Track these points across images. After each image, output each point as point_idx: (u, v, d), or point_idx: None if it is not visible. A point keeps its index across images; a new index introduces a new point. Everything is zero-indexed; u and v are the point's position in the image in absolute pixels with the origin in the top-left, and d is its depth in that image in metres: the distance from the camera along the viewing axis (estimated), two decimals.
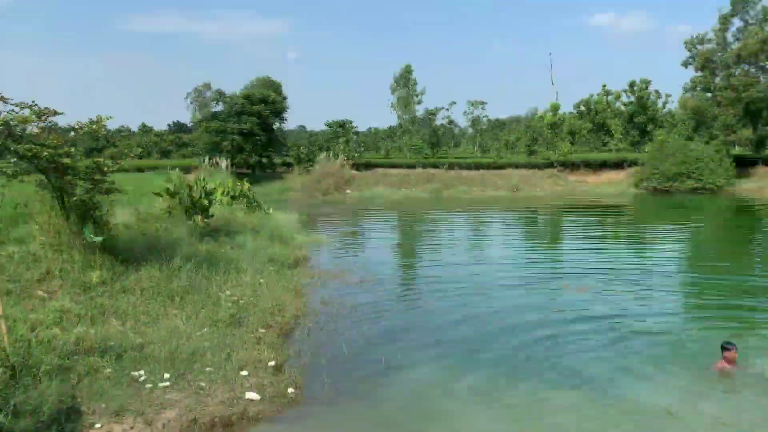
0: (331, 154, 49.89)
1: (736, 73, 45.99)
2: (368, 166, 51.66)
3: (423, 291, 14.34)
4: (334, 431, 7.14)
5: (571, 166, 51.29)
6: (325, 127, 61.97)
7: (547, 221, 31.67)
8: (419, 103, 65.99)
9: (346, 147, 53.22)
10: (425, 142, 64.23)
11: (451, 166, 51.30)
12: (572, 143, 57.42)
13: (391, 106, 64.45)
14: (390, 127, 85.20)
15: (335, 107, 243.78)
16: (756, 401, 7.55)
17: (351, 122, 60.52)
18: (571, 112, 69.10)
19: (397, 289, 14.43)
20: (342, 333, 10.47)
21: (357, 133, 64.71)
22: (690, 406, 7.57)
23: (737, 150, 52.10)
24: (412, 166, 51.84)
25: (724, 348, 8.31)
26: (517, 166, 51.77)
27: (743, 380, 8.10)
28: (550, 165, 51.39)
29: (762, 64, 45.40)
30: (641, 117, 67.73)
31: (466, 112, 76.08)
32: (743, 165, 46.79)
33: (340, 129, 59.74)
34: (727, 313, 12.11)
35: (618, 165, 50.63)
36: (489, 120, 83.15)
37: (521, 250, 20.73)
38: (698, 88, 48.20)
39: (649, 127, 66.72)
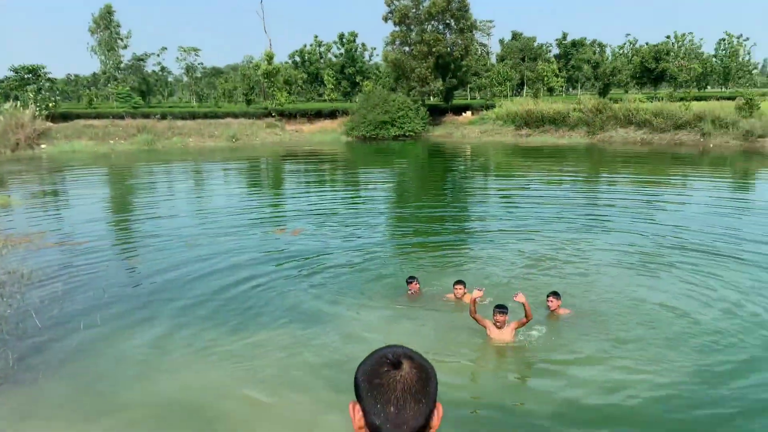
0: (19, 104, 43.28)
1: (428, 29, 50.90)
2: (67, 117, 46.08)
3: (131, 247, 13.43)
4: (16, 414, 6.30)
5: (288, 115, 52.19)
6: (10, 73, 53.31)
7: (266, 170, 31.94)
8: (125, 47, 60.51)
9: (38, 95, 46.61)
10: (135, 90, 59.55)
11: (164, 116, 48.39)
12: (289, 93, 58.33)
13: (91, 50, 57.95)
14: (93, 74, 77.20)
15: (24, 51, 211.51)
16: (428, 317, 8.59)
17: (44, 67, 53.05)
18: (286, 62, 70.01)
19: (101, 249, 13.20)
20: (31, 302, 9.27)
21: (52, 80, 57.00)
22: (380, 328, 8.34)
23: (431, 100, 58.20)
24: (120, 117, 47.65)
25: (408, 282, 9.36)
26: (235, 115, 50.96)
27: (425, 302, 9.18)
28: (268, 114, 51.65)
29: (447, 21, 50.90)
30: (351, 68, 71.57)
31: (178, 58, 72.09)
32: (436, 113, 52.58)
33: (31, 75, 52.04)
34: (420, 240, 13.62)
35: (331, 114, 52.99)
36: (204, 68, 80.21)
37: (240, 199, 20.60)
38: (397, 42, 52.22)
39: (358, 79, 70.97)
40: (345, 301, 9.33)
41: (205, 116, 50.02)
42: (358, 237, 13.94)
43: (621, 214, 16.26)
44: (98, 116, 47.62)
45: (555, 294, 8.62)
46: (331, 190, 23.44)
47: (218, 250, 12.51)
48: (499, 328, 7.48)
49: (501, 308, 7.52)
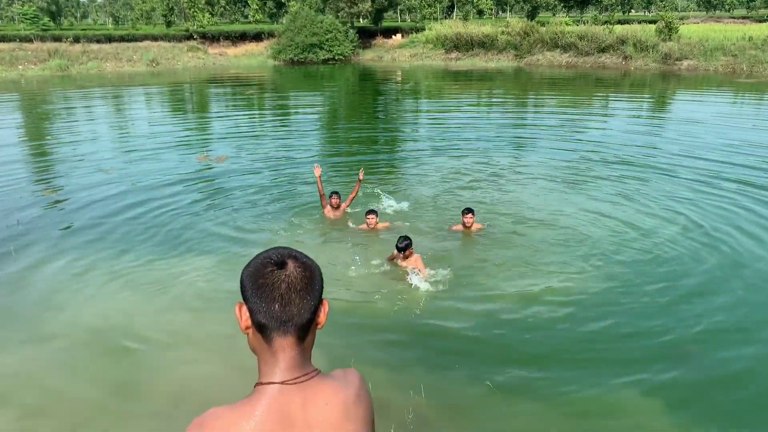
0: None
1: None
2: None
3: (46, 174, 12.62)
4: None
5: (211, 38, 49.78)
6: None
7: (190, 95, 30.56)
8: None
9: None
10: (43, 11, 55.17)
11: (77, 39, 45.22)
12: (211, 14, 55.41)
13: None
14: None
15: None
16: (344, 244, 8.50)
17: None
18: None
19: (13, 176, 12.21)
20: None
21: None
22: (287, 239, 8.28)
23: (360, 22, 56.64)
24: (28, 40, 44.28)
25: (330, 196, 9.29)
26: (155, 38, 48.27)
27: (342, 225, 9.05)
28: (190, 37, 49.10)
29: None
30: None
31: None
32: (365, 36, 51.32)
33: None
34: (350, 161, 13.44)
35: (257, 37, 50.88)
36: None
37: (162, 125, 19.61)
38: None
39: None
40: (266, 225, 9.13)
41: (122, 39, 47.16)
42: (286, 162, 13.60)
43: (547, 133, 16.54)
44: (3, 39, 44.05)
45: (469, 210, 8.50)
46: (258, 116, 22.69)
47: (139, 178, 11.95)
48: (406, 258, 7.29)
49: (401, 242, 7.18)
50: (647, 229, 8.74)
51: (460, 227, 8.60)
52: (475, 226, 8.57)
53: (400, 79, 36.83)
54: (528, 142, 15.49)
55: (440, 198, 10.39)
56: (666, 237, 8.39)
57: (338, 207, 9.32)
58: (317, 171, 9.25)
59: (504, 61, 42.44)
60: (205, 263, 7.70)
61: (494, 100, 25.78)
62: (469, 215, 8.47)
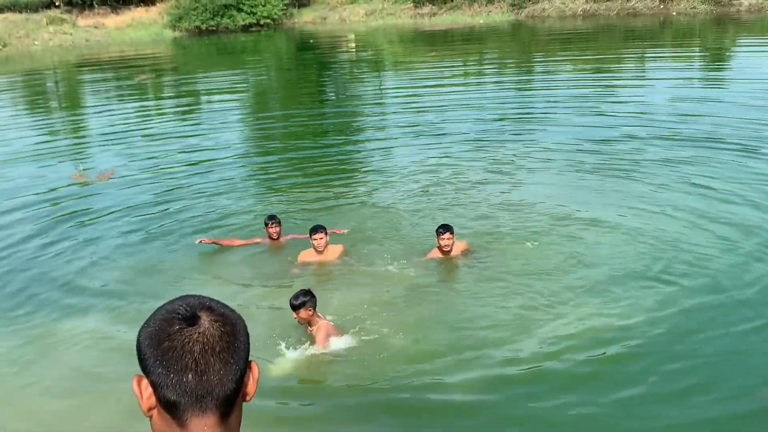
0: None
1: None
2: None
3: None
4: None
5: (80, 4, 49.53)
6: None
7: (55, 86, 30.33)
8: None
9: None
10: None
11: None
12: None
13: None
14: None
15: None
16: (281, 280, 8.51)
17: None
18: None
19: None
20: None
21: None
22: (223, 296, 8.19)
23: None
24: None
25: (266, 223, 9.19)
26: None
27: (284, 254, 9.11)
28: (50, 5, 48.81)
29: None
30: None
31: None
32: None
33: None
34: (288, 166, 13.44)
35: (147, 1, 50.78)
36: None
37: (17, 134, 19.30)
38: None
39: None
40: (172, 263, 9.14)
41: None
42: (198, 170, 13.55)
43: (566, 109, 16.85)
44: None
45: (446, 228, 8.30)
46: (155, 110, 22.57)
47: None
48: (304, 322, 6.93)
49: (295, 298, 6.79)
50: (733, 231, 8.61)
51: (436, 253, 8.45)
52: (460, 248, 8.44)
53: (353, 46, 37.03)
54: (539, 121, 15.66)
55: (417, 207, 10.32)
56: (760, 242, 8.28)
57: (278, 238, 9.21)
58: (204, 241, 9.17)
59: (496, 15, 43.04)
60: (89, 324, 7.60)
61: (487, 68, 26.05)
62: (447, 234, 8.25)
